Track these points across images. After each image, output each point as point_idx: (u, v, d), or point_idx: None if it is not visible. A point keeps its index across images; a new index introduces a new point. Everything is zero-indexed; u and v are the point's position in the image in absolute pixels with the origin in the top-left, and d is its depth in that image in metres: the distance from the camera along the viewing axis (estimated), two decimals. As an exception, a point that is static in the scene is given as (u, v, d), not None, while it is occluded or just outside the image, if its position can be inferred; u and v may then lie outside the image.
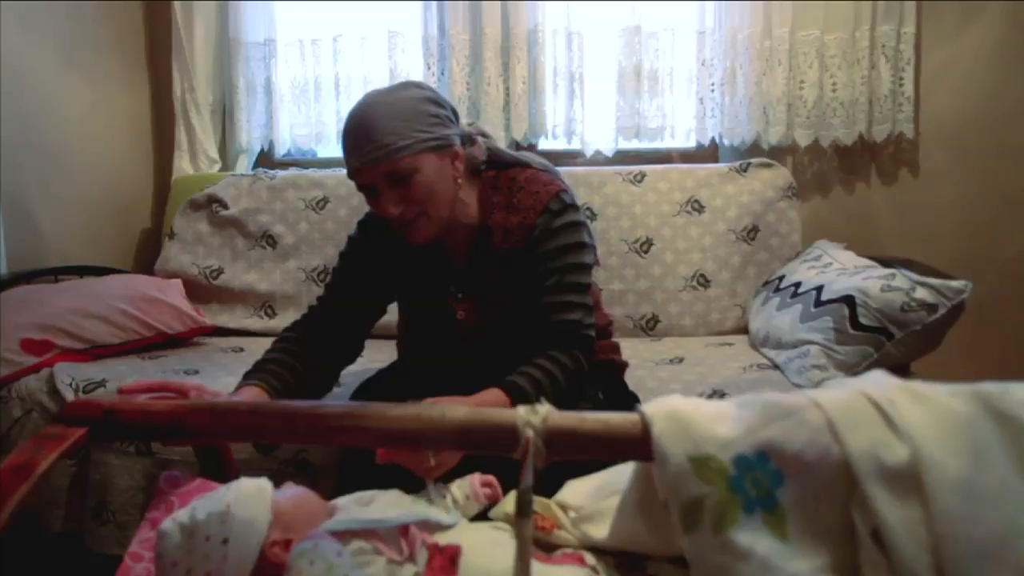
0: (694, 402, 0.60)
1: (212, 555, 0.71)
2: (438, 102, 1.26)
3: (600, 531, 0.77)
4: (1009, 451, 0.55)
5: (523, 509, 0.56)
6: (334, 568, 0.68)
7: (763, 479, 0.56)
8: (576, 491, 0.86)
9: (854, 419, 0.57)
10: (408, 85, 1.29)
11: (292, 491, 0.83)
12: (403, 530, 0.76)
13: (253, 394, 1.19)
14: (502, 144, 1.84)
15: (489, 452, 0.61)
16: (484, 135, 1.40)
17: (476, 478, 0.96)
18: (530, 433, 0.58)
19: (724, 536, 0.55)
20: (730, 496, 0.55)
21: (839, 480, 0.55)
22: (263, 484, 0.79)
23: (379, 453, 0.92)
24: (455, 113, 1.31)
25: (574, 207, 1.32)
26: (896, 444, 0.55)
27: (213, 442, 0.96)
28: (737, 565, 0.54)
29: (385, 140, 1.18)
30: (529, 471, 0.57)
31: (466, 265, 1.35)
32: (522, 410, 0.60)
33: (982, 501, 0.53)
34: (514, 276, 1.30)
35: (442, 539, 0.77)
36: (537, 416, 0.59)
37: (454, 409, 0.62)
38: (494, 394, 1.14)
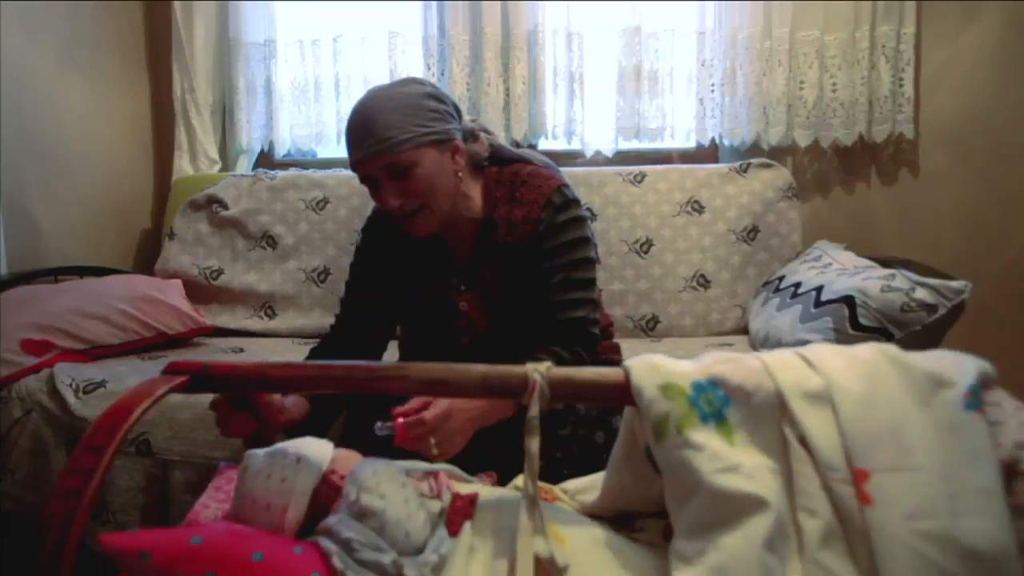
0: (664, 356, 0.79)
1: (287, 467, 0.87)
2: (439, 97, 1.28)
3: (593, 497, 0.91)
4: (896, 375, 0.76)
5: (531, 430, 0.75)
6: (391, 466, 0.85)
7: (714, 399, 0.75)
8: (573, 484, 0.99)
9: (783, 362, 0.78)
10: (410, 81, 1.31)
11: (345, 450, 0.97)
12: (433, 475, 0.91)
13: (297, 399, 1.22)
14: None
15: (504, 396, 0.79)
16: (487, 132, 1.41)
17: (480, 476, 1.04)
18: (537, 376, 0.77)
19: (684, 436, 0.72)
20: (689, 408, 0.74)
21: (773, 405, 0.75)
22: (324, 441, 0.94)
23: (399, 435, 1.07)
24: (457, 109, 1.33)
25: (576, 202, 1.34)
26: (814, 376, 0.76)
27: (290, 391, 1.14)
28: (694, 455, 0.71)
29: (385, 134, 1.20)
30: (535, 404, 0.76)
31: (469, 259, 1.36)
32: (530, 365, 0.78)
33: (874, 407, 0.74)
34: (518, 269, 1.32)
35: (463, 490, 0.90)
36: (542, 366, 0.78)
37: (478, 366, 0.80)
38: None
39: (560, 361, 1.22)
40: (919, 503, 0.69)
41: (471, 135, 1.36)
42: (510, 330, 1.33)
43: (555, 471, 1.07)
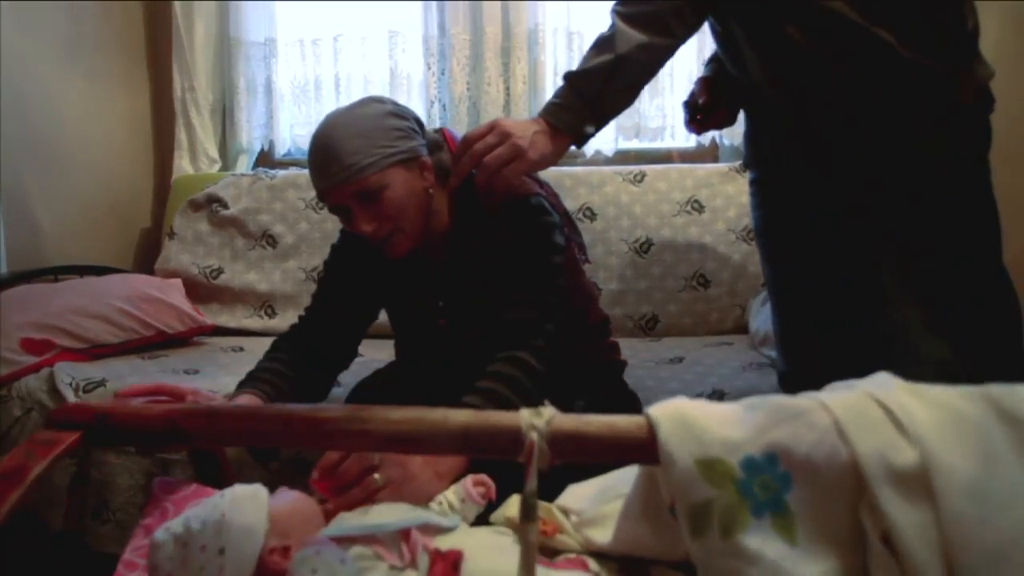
0: (700, 404, 0.60)
1: (208, 566, 0.69)
2: (400, 115, 1.24)
3: (603, 535, 0.76)
4: (1019, 453, 0.55)
5: (528, 514, 0.57)
6: (334, 562, 0.68)
7: (771, 482, 0.56)
8: (578, 495, 0.85)
9: (862, 420, 0.56)
10: (368, 101, 1.26)
11: (287, 496, 0.82)
12: (404, 535, 0.74)
13: (248, 401, 1.18)
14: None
15: (492, 456, 0.60)
16: (455, 138, 1.37)
17: (468, 480, 0.95)
18: (534, 436, 0.57)
19: (733, 540, 0.54)
20: (738, 499, 0.55)
21: (848, 482, 0.55)
22: (258, 490, 0.78)
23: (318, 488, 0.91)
24: (419, 122, 1.29)
25: (540, 208, 1.27)
26: (904, 446, 0.55)
27: (209, 447, 0.95)
28: (746, 569, 0.54)
29: (349, 160, 1.17)
30: (533, 476, 0.57)
31: (442, 271, 1.34)
32: (526, 413, 0.59)
33: (993, 504, 0.53)
34: (484, 282, 1.29)
35: (444, 544, 0.75)
36: (541, 419, 0.58)
37: (457, 413, 0.61)
38: None
39: (506, 380, 1.14)
40: None
41: (436, 145, 1.32)
42: (486, 339, 1.29)
43: (554, 478, 1.02)
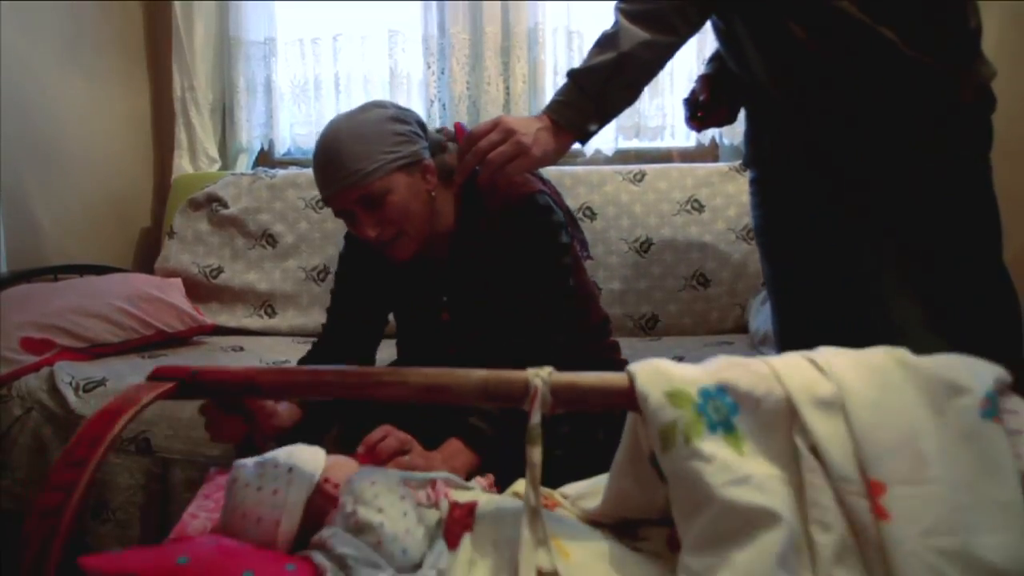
0: (669, 361, 0.76)
1: (279, 478, 0.83)
2: (402, 119, 1.25)
3: (594, 503, 0.88)
4: (910, 382, 0.73)
5: (532, 438, 0.72)
6: (389, 477, 0.83)
7: (722, 407, 0.71)
8: (573, 488, 0.96)
9: (793, 368, 0.74)
10: (370, 106, 1.27)
11: (338, 456, 0.95)
12: (431, 484, 0.88)
13: (287, 409, 1.22)
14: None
15: (505, 402, 0.75)
16: (454, 140, 1.38)
17: (478, 477, 1.02)
18: (538, 382, 0.73)
19: (692, 446, 0.68)
20: (697, 417, 0.70)
21: (782, 412, 0.71)
22: (317, 447, 0.92)
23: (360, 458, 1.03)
24: (421, 125, 1.30)
25: (546, 208, 1.28)
26: (824, 382, 0.72)
27: (281, 398, 1.14)
28: (703, 466, 0.68)
29: (353, 166, 1.19)
30: (537, 412, 0.72)
31: (447, 271, 1.35)
32: (531, 370, 0.75)
33: (889, 415, 0.71)
34: (490, 279, 1.30)
35: (461, 498, 0.87)
36: (543, 372, 0.75)
37: (476, 371, 0.77)
38: (455, 445, 1.16)
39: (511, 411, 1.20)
40: (936, 518, 0.66)
41: (438, 147, 1.33)
42: (493, 338, 1.30)
43: (555, 470, 1.06)
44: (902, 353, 0.76)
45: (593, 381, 0.75)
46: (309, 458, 0.87)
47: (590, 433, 1.25)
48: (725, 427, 0.70)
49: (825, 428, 0.70)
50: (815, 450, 0.69)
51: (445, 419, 1.17)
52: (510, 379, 0.75)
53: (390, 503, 0.79)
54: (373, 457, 1.07)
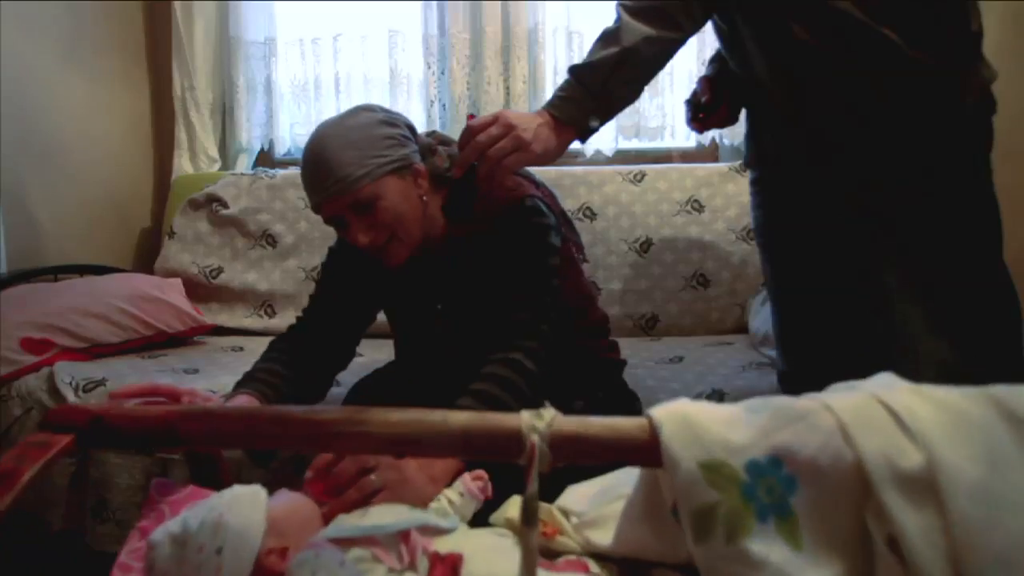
0: (702, 406, 0.59)
1: (206, 566, 0.68)
2: (391, 122, 1.24)
3: (603, 537, 0.76)
4: (1021, 446, 0.54)
5: (529, 518, 0.56)
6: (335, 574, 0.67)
7: (776, 485, 0.55)
8: (578, 496, 0.85)
9: (867, 422, 0.56)
10: (359, 110, 1.25)
11: (286, 497, 0.81)
12: (403, 537, 0.73)
13: (245, 401, 1.18)
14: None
15: (492, 458, 0.60)
16: (445, 143, 1.37)
17: (466, 476, 0.96)
18: (535, 438, 0.56)
19: (737, 545, 0.54)
20: (743, 503, 0.54)
21: (853, 486, 0.54)
22: (256, 491, 0.77)
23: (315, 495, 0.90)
24: (411, 128, 1.28)
25: (535, 210, 1.27)
26: (910, 449, 0.54)
27: (207, 450, 0.94)
28: (751, 574, 0.53)
29: (343, 172, 1.16)
30: (534, 479, 0.56)
31: (439, 273, 1.34)
32: (526, 415, 0.58)
33: (1000, 507, 0.52)
34: (482, 284, 1.29)
35: (443, 546, 0.75)
36: (542, 421, 0.57)
37: (456, 414, 0.60)
38: None
39: (499, 382, 1.14)
40: None
41: (429, 150, 1.31)
42: (485, 340, 1.29)
43: (554, 479, 1.02)
44: (1007, 397, 0.57)
45: (603, 432, 0.59)
46: (245, 518, 0.72)
47: (567, 406, 1.23)
48: (779, 512, 0.55)
49: (911, 518, 0.52)
50: (894, 544, 0.53)
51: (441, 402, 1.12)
52: (499, 428, 0.59)
53: None
54: (329, 483, 0.91)
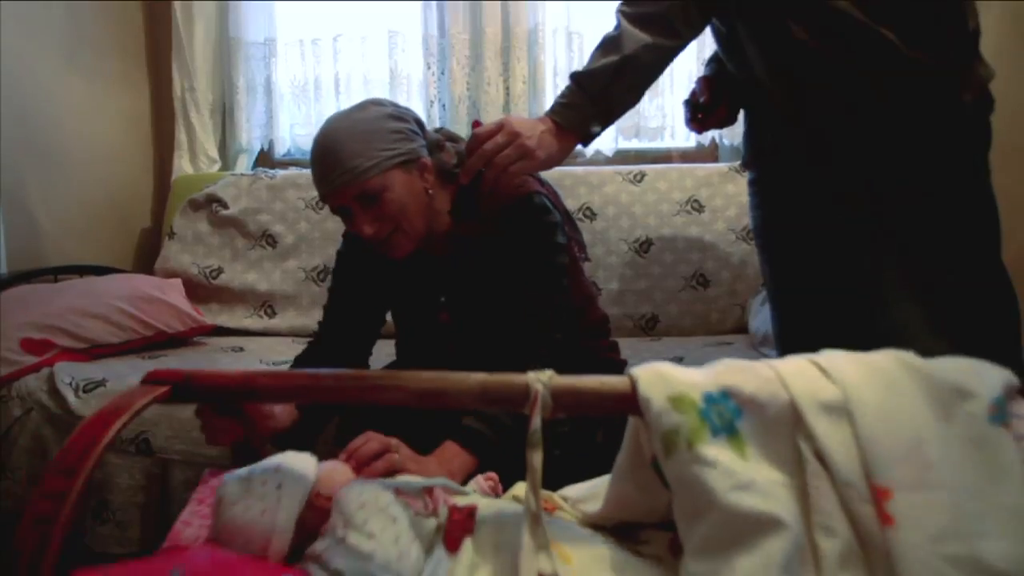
0: (672, 365, 0.75)
1: (267, 496, 0.79)
2: (399, 116, 1.26)
3: (595, 507, 0.87)
4: (916, 386, 0.72)
5: (533, 443, 0.70)
6: (380, 497, 0.78)
7: (725, 412, 0.70)
8: (574, 490, 0.95)
9: (798, 371, 0.73)
10: (368, 104, 1.27)
11: (330, 463, 0.92)
12: (427, 491, 0.83)
13: (283, 411, 1.21)
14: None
15: (504, 406, 0.74)
16: (453, 139, 1.38)
17: (479, 477, 1.02)
18: (539, 387, 0.72)
19: (695, 451, 0.67)
20: (700, 422, 0.69)
21: (787, 416, 0.70)
22: (306, 455, 0.88)
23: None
24: (419, 123, 1.30)
25: (541, 207, 1.28)
26: (830, 387, 0.71)
27: (278, 402, 1.12)
28: (706, 471, 0.67)
29: (350, 163, 1.19)
30: (537, 416, 0.71)
31: (446, 270, 1.35)
32: (531, 374, 0.73)
33: (895, 420, 0.69)
34: (487, 280, 1.30)
35: (460, 503, 0.85)
36: (544, 376, 0.73)
37: (474, 375, 0.75)
38: (451, 448, 1.15)
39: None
40: (944, 524, 0.65)
41: (436, 146, 1.33)
42: (491, 338, 1.30)
43: (554, 470, 1.05)
44: (908, 356, 0.75)
45: (594, 385, 0.74)
46: (299, 470, 0.84)
47: (589, 433, 1.25)
48: (729, 432, 0.69)
49: (830, 433, 0.69)
50: (820, 455, 0.69)
51: (441, 421, 1.17)
52: (509, 383, 0.74)
53: (381, 527, 0.75)
54: (355, 462, 1.02)
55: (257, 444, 1.03)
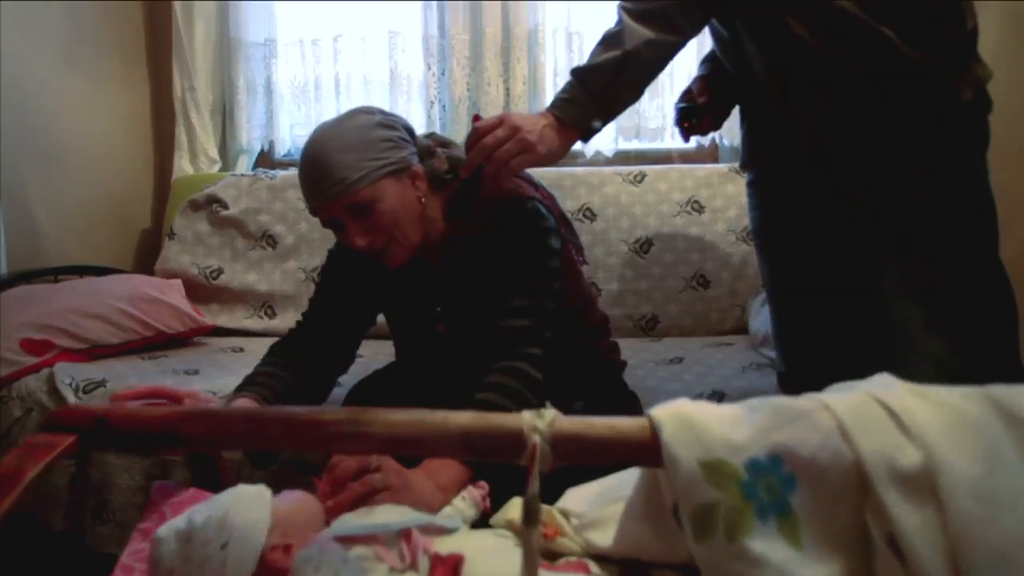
0: (702, 405, 0.59)
1: (211, 560, 0.69)
2: (388, 124, 1.23)
3: (604, 538, 0.76)
4: (1022, 453, 0.55)
5: (530, 518, 0.56)
6: (338, 568, 0.67)
7: (776, 484, 0.55)
8: (578, 498, 0.85)
9: (865, 422, 0.56)
10: (357, 113, 1.25)
11: (290, 496, 0.82)
12: (405, 537, 0.74)
13: (246, 404, 1.18)
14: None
15: (493, 459, 0.60)
16: (444, 145, 1.36)
17: (470, 486, 0.98)
18: (536, 439, 0.57)
19: (738, 544, 0.54)
20: (743, 502, 0.55)
21: (852, 484, 0.55)
22: (261, 490, 0.78)
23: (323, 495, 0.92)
24: (409, 130, 1.28)
25: (534, 212, 1.26)
26: (908, 447, 0.54)
27: (209, 451, 0.94)
28: (752, 572, 0.54)
29: (340, 175, 1.16)
30: (535, 479, 0.56)
31: (439, 276, 1.34)
32: (527, 415, 0.59)
33: (998, 504, 0.53)
34: (481, 287, 1.29)
35: (444, 547, 0.75)
36: (543, 421, 0.58)
37: (458, 415, 0.61)
38: (441, 458, 1.06)
39: (506, 392, 1.14)
40: None
41: (427, 152, 1.31)
42: (488, 344, 1.28)
43: (554, 480, 1.01)
44: (1005, 397, 0.58)
45: (604, 432, 0.59)
46: (250, 516, 0.73)
47: (567, 407, 1.22)
48: (778, 511, 0.55)
49: (910, 516, 0.53)
50: (893, 542, 0.53)
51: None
52: (500, 428, 0.59)
53: None
54: (331, 479, 0.92)
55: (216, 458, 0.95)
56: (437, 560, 0.72)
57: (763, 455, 0.56)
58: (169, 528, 0.73)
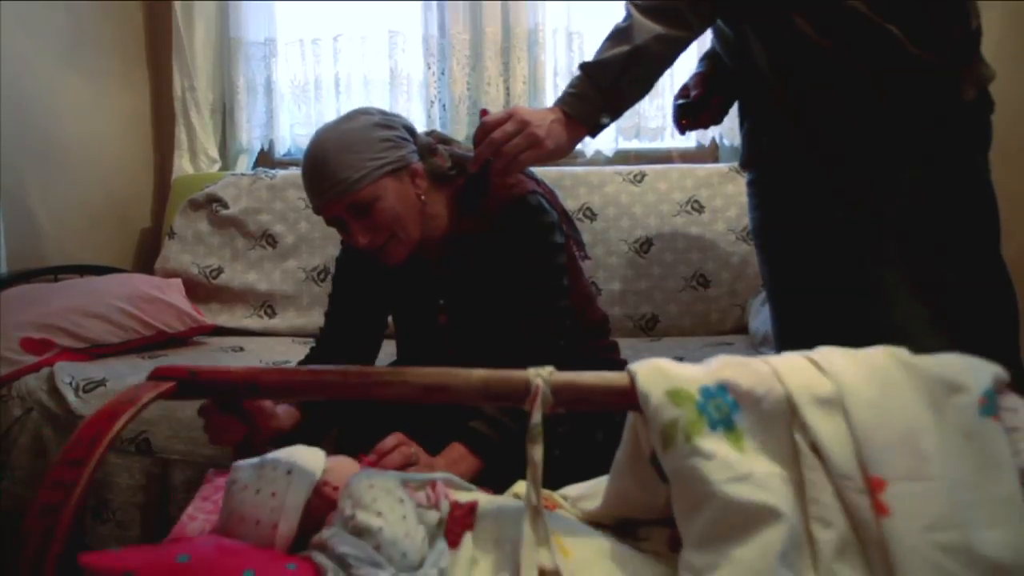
0: (671, 361, 0.76)
1: (277, 480, 0.83)
2: (388, 124, 1.26)
3: (595, 504, 0.89)
4: (909, 380, 0.74)
5: (533, 437, 0.73)
6: (388, 480, 0.82)
7: (723, 405, 0.72)
8: (573, 489, 0.96)
9: (793, 367, 0.76)
10: (357, 113, 1.28)
11: (338, 457, 0.96)
12: (431, 484, 0.87)
13: (285, 410, 1.24)
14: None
15: (505, 401, 0.77)
16: (445, 142, 1.38)
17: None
18: (539, 382, 0.74)
19: (693, 444, 0.69)
20: (697, 416, 0.71)
21: (782, 410, 0.72)
22: (316, 449, 0.92)
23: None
24: (409, 129, 1.30)
25: (538, 208, 1.29)
26: (824, 381, 0.74)
27: (280, 399, 1.15)
28: (704, 463, 0.69)
29: (341, 175, 1.19)
30: (538, 410, 0.73)
31: (443, 272, 1.35)
32: (532, 370, 0.76)
33: (888, 413, 0.72)
34: (485, 281, 1.30)
35: (462, 498, 0.88)
36: (544, 371, 0.76)
37: (476, 371, 0.78)
38: (457, 450, 1.17)
39: (512, 415, 1.18)
40: (937, 514, 0.67)
41: (428, 150, 1.32)
42: (490, 339, 1.30)
43: (554, 470, 1.05)
44: (901, 352, 0.77)
45: (594, 380, 0.76)
46: (309, 460, 0.87)
47: (589, 434, 1.25)
48: (726, 425, 0.71)
49: (825, 426, 0.71)
50: (815, 448, 0.71)
51: (447, 423, 1.17)
52: (511, 378, 0.76)
53: (389, 507, 0.78)
54: (376, 455, 1.09)
55: (259, 444, 1.04)
56: (456, 505, 0.85)
57: (712, 384, 0.73)
58: (245, 461, 0.88)
